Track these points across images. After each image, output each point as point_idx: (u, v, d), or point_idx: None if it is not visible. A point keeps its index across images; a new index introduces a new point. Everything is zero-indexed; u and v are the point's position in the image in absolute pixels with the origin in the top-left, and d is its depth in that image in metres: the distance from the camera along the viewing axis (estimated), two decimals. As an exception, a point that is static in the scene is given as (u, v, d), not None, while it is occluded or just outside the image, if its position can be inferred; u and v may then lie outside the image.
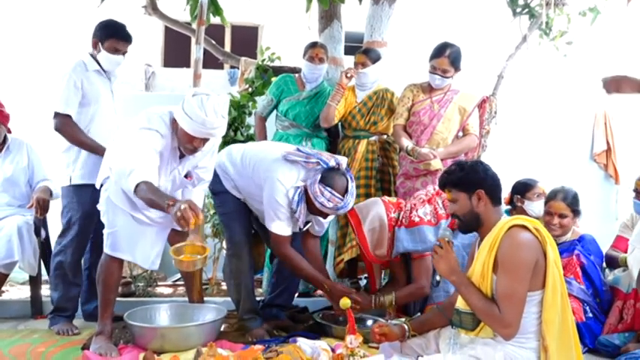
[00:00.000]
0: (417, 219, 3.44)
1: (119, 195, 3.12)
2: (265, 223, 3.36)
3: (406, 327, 2.71)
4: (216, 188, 3.52)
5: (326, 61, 4.36)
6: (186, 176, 3.29)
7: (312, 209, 3.27)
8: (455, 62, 3.87)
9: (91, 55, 3.65)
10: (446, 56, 3.84)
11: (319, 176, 3.21)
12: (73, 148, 3.60)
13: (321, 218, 3.42)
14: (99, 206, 3.27)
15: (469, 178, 2.50)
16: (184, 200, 2.82)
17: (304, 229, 3.48)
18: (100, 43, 3.60)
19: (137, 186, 2.83)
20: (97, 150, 3.51)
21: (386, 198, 3.65)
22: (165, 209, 2.76)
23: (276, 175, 3.25)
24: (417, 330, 2.73)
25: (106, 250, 3.19)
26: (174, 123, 3.09)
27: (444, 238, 2.53)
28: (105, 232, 3.21)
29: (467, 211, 2.49)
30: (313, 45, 4.37)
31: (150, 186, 2.83)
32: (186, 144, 3.07)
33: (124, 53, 3.66)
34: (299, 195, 3.23)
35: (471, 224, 2.51)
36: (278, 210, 3.26)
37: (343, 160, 3.34)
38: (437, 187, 3.58)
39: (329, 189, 3.18)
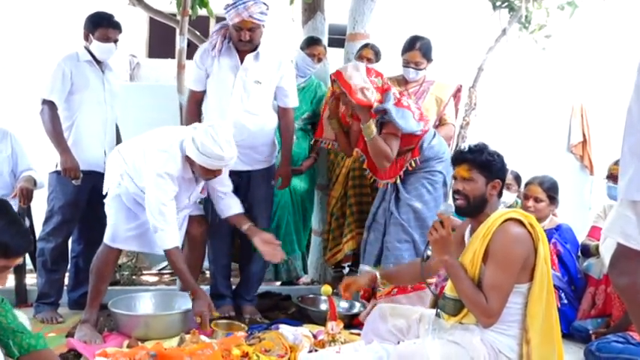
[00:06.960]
0: (405, 103, 3.48)
1: (131, 201, 3.22)
2: None
3: (377, 274, 2.76)
4: None
5: (323, 62, 4.34)
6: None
7: None
8: (426, 54, 3.91)
9: (85, 48, 3.70)
10: (417, 49, 3.88)
11: None
12: None
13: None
14: (106, 200, 3.31)
15: (496, 165, 2.48)
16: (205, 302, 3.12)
17: None
18: (90, 34, 3.65)
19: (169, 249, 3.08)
20: (60, 148, 3.54)
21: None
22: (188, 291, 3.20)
23: None
24: (388, 279, 2.77)
25: (106, 240, 3.25)
26: (188, 158, 3.12)
27: (445, 215, 2.45)
28: (108, 223, 3.27)
29: (479, 194, 2.45)
30: (318, 43, 4.31)
31: (181, 257, 3.17)
32: (205, 175, 3.16)
33: (115, 41, 3.70)
34: None
35: (476, 208, 2.47)
36: None
37: None
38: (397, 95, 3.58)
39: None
